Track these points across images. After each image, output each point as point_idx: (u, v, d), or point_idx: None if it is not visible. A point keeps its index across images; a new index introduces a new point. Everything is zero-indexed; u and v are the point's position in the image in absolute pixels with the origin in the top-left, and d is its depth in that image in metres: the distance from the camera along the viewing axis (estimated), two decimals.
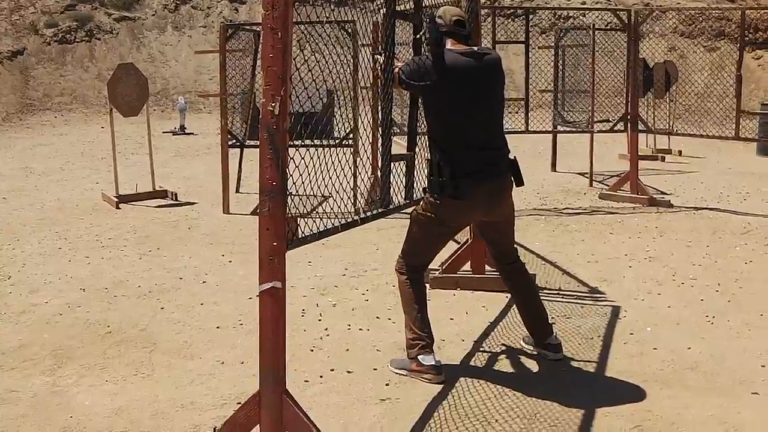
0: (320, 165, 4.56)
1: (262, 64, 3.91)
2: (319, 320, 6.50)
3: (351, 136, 10.58)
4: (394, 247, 8.82)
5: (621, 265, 8.24)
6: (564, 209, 11.22)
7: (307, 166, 4.41)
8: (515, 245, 5.81)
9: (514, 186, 5.50)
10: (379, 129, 5.69)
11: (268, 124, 3.81)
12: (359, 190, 10.39)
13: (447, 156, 5.18)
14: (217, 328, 6.31)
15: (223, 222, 10.26)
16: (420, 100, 5.51)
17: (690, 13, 28.15)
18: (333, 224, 4.49)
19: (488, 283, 7.22)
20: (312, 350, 5.84)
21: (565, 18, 26.57)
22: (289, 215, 3.95)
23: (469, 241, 7.38)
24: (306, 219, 4.32)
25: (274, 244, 3.87)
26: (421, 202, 5.47)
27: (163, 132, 20.23)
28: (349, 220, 4.69)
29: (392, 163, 5.36)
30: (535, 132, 12.88)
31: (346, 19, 9.66)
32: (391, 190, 5.44)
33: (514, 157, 5.50)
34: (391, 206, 5.34)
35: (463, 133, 5.22)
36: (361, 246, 8.88)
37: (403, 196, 5.63)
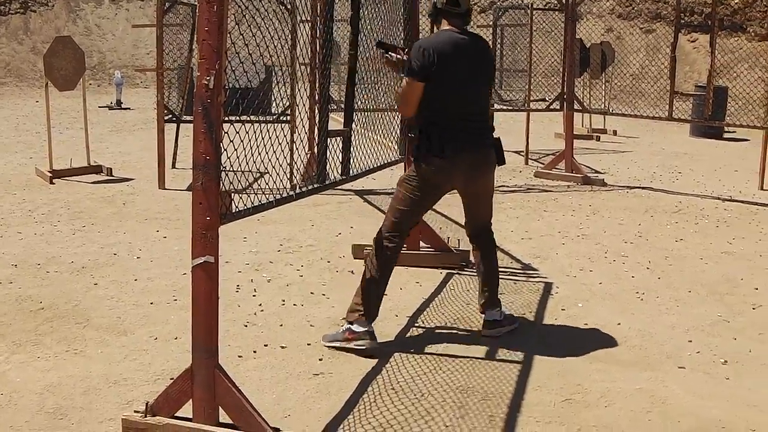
0: (257, 141, 4.56)
1: (197, 37, 3.89)
2: (254, 296, 6.49)
3: (288, 112, 10.55)
4: (329, 223, 8.86)
5: (554, 242, 8.34)
6: (499, 187, 11.28)
7: (242, 142, 4.40)
8: (491, 212, 6.00)
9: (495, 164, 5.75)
10: (317, 105, 5.75)
11: (202, 98, 3.79)
12: (296, 166, 10.35)
13: (436, 125, 5.48)
14: (151, 303, 6.27)
15: (159, 197, 10.18)
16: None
17: None
18: (268, 200, 4.49)
19: (422, 259, 7.27)
20: (246, 326, 5.84)
21: None
22: (223, 189, 3.94)
23: None
24: (242, 195, 4.31)
25: (207, 218, 3.86)
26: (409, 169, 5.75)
27: (99, 107, 19.99)
28: (284, 195, 4.68)
29: (328, 139, 5.36)
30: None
31: None
32: (328, 166, 5.48)
33: (498, 137, 5.73)
34: (326, 182, 5.35)
35: (453, 105, 5.48)
36: (296, 222, 8.88)
37: (340, 172, 5.64)
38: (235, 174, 4.56)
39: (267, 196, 4.54)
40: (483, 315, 5.84)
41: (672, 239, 8.62)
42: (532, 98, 12.91)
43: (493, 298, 5.86)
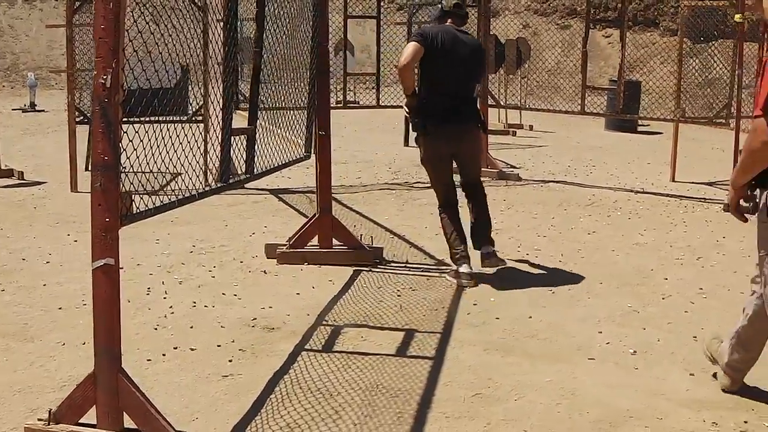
0: (170, 141, 4.56)
1: (93, 35, 3.82)
2: (164, 298, 6.41)
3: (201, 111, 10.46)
4: (243, 223, 8.80)
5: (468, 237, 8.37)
6: (415, 183, 11.33)
7: (150, 143, 4.34)
8: (480, 171, 7.57)
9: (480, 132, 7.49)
10: (220, 103, 5.78)
11: (100, 98, 3.72)
12: (210, 166, 10.27)
13: (425, 102, 6.99)
14: (60, 308, 6.15)
15: (71, 201, 10.01)
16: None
17: None
18: (170, 200, 4.43)
19: (335, 257, 7.26)
20: (156, 329, 5.76)
21: None
22: (123, 190, 3.88)
23: (316, 216, 7.36)
24: (146, 195, 4.24)
25: (107, 219, 3.79)
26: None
27: (13, 109, 19.65)
28: (186, 196, 4.62)
29: (233, 138, 5.31)
30: (386, 107, 12.96)
31: None
32: (233, 164, 5.46)
33: (479, 111, 7.52)
34: (231, 181, 5.30)
35: (441, 86, 6.98)
36: (210, 222, 8.80)
37: (244, 171, 5.60)
38: (149, 175, 4.52)
39: (170, 196, 4.47)
40: (480, 251, 7.11)
41: (585, 232, 8.72)
42: None
43: (488, 236, 7.16)
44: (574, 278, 7.07)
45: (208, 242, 8.05)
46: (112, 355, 3.91)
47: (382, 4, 12.96)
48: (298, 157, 7.04)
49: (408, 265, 7.34)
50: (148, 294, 6.52)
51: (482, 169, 11.27)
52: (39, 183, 11.11)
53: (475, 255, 7.08)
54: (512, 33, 19.55)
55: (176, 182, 4.60)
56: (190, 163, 4.78)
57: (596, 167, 13.11)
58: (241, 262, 7.38)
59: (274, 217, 9.15)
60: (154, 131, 4.42)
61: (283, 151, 6.73)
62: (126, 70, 3.91)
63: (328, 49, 7.14)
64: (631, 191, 11.05)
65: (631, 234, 8.67)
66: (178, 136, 4.67)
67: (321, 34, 6.99)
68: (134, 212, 4.04)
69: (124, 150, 3.88)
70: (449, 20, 7.19)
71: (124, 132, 3.88)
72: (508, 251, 7.81)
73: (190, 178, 4.86)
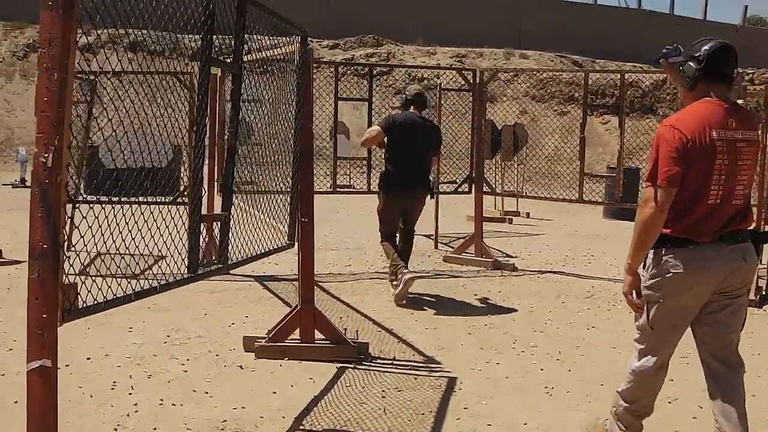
0: (155, 223, 4.42)
1: (35, 109, 3.40)
2: (130, 394, 5.91)
3: (186, 193, 10.05)
4: (223, 311, 8.34)
5: (460, 331, 7.90)
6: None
7: (117, 225, 3.93)
8: (415, 223, 9.70)
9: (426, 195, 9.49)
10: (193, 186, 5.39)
11: (39, 178, 3.30)
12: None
13: (388, 172, 9.23)
14: (15, 402, 5.64)
15: None
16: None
17: (541, 78, 28.58)
18: (124, 291, 3.97)
19: (317, 352, 6.76)
20: (116, 429, 5.26)
21: (420, 79, 26.59)
22: (67, 282, 3.44)
23: (298, 308, 6.89)
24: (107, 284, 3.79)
25: (44, 315, 3.34)
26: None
27: (3, 184, 19.42)
28: (145, 288, 4.16)
29: (202, 224, 4.86)
30: (376, 192, 12.39)
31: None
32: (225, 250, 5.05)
33: (431, 179, 9.75)
34: (200, 271, 4.83)
35: (401, 160, 9.14)
36: (188, 310, 8.32)
37: (217, 259, 5.15)
38: (130, 258, 4.36)
39: (123, 286, 4.01)
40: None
41: (584, 327, 8.25)
42: (442, 180, 12.57)
43: (407, 258, 9.44)
44: (573, 378, 6.58)
45: (185, 332, 7.56)
46: None
47: (378, 89, 12.65)
48: (280, 245, 6.60)
49: (395, 362, 6.84)
50: (113, 388, 6.02)
51: (477, 258, 10.99)
52: (17, 261, 10.63)
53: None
54: (510, 119, 19.33)
55: (150, 268, 4.23)
56: (168, 248, 4.49)
57: (595, 257, 12.66)
58: (217, 355, 6.89)
59: (257, 306, 8.67)
60: (132, 212, 4.28)
61: (264, 238, 6.30)
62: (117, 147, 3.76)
63: (311, 130, 6.72)
64: None
65: (633, 329, 8.12)
66: (155, 218, 4.46)
67: (305, 115, 6.59)
68: (80, 306, 3.58)
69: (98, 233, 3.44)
70: (412, 107, 9.37)
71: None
72: (502, 347, 7.34)
73: (167, 264, 4.60)
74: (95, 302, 3.73)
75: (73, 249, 4.19)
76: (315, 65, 28.87)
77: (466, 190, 12.01)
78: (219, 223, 5.30)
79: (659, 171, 4.32)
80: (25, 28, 28.86)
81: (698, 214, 4.36)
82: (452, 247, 12.71)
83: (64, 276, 3.45)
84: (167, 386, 6.10)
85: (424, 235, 13.72)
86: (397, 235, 9.57)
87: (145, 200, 4.61)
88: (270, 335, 6.84)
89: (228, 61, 5.21)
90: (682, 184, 4.31)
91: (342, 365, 6.66)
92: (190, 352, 6.94)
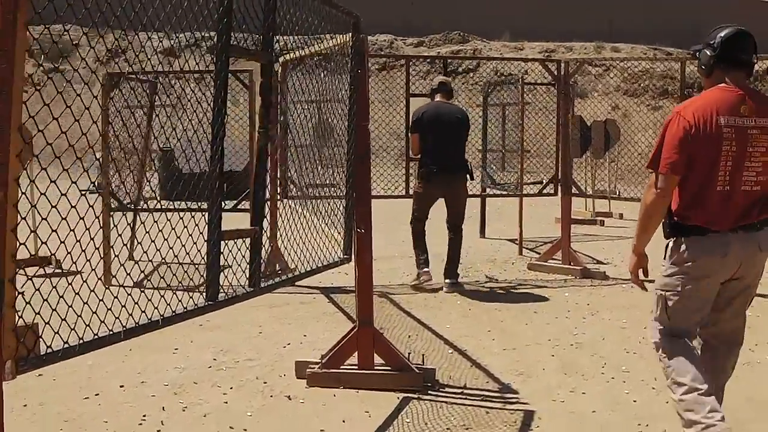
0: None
1: None
2: (158, 431, 5.19)
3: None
4: (280, 329, 7.63)
5: (543, 353, 7.02)
6: (486, 283, 10.03)
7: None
8: (462, 217, 9.77)
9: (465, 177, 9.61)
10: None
11: None
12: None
13: (426, 162, 9.43)
14: None
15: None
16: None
17: (634, 72, 27.45)
18: (110, 330, 3.22)
19: (376, 380, 5.96)
20: None
21: (506, 75, 25.68)
22: (22, 324, 2.72)
23: (355, 329, 6.10)
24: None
25: None
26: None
27: (81, 191, 18.96)
28: (137, 325, 3.40)
29: (224, 242, 4.09)
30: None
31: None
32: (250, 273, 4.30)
33: (468, 162, 9.68)
34: (220, 299, 4.06)
35: (435, 150, 9.39)
36: (242, 327, 7.63)
37: (247, 283, 4.38)
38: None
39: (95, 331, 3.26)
40: (446, 281, 9.50)
41: None
42: (526, 180, 11.66)
43: (453, 271, 9.55)
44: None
45: (234, 354, 6.84)
46: None
47: (465, 86, 11.90)
48: (335, 259, 5.84)
49: (465, 391, 6.00)
50: (141, 423, 5.31)
51: (564, 266, 10.06)
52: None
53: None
54: (601, 115, 18.31)
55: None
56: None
57: None
58: (265, 382, 6.14)
59: (318, 323, 7.92)
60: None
61: (316, 248, 5.57)
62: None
63: (368, 130, 5.93)
64: None
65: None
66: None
67: (360, 113, 5.80)
68: (42, 354, 2.85)
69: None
70: (438, 95, 9.78)
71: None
72: (589, 372, 6.46)
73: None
74: (66, 346, 2.98)
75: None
76: (393, 60, 27.95)
77: (552, 192, 11.09)
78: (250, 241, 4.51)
79: (661, 158, 4.42)
80: None
81: (711, 201, 4.42)
82: (538, 253, 11.80)
83: (17, 317, 2.72)
84: (202, 421, 5.36)
85: (508, 240, 12.84)
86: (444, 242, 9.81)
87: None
88: (324, 360, 6.06)
89: (256, 49, 4.43)
90: (691, 171, 4.39)
91: (405, 395, 5.86)
92: (236, 379, 6.21)
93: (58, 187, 3.07)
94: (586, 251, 11.92)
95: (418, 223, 9.62)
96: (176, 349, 6.90)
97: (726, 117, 4.35)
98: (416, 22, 30.82)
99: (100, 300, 3.43)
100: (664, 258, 4.69)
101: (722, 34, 4.51)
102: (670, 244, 4.64)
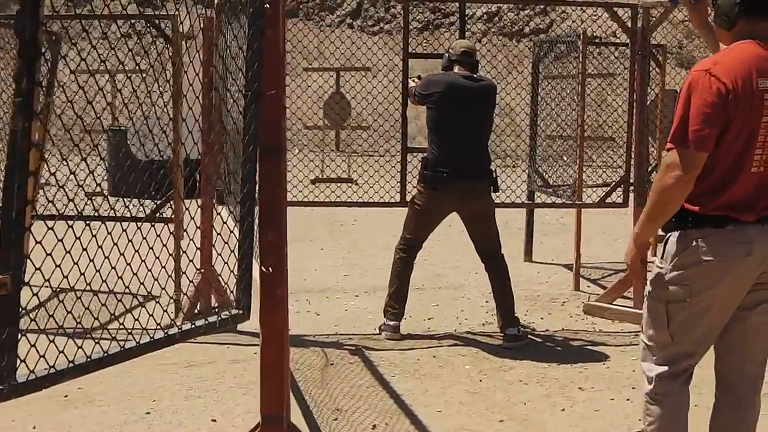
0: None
1: None
2: None
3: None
4: (182, 405, 6.49)
5: None
6: (532, 331, 8.47)
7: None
8: (497, 241, 8.24)
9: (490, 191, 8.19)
10: None
11: None
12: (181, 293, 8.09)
13: (434, 154, 8.02)
14: None
15: None
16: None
17: None
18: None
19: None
20: None
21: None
22: None
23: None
24: None
25: None
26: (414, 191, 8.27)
27: None
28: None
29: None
30: (500, 206, 9.40)
31: None
32: None
33: (495, 169, 8.25)
34: None
35: (451, 137, 7.95)
36: (126, 402, 6.36)
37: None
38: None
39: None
40: (504, 332, 8.00)
41: None
42: (586, 183, 10.04)
43: (510, 317, 8.05)
44: None
45: None
46: None
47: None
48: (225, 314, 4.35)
49: None
50: None
51: (634, 311, 8.94)
52: None
53: None
54: None
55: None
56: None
57: None
58: None
59: (245, 396, 6.55)
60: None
61: None
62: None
63: (282, 103, 4.52)
64: None
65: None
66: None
67: (263, 77, 4.30)
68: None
69: None
70: (456, 67, 8.18)
71: None
72: None
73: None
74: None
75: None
76: (441, 17, 26.70)
77: (620, 200, 9.58)
78: None
79: (689, 130, 4.21)
80: None
81: (740, 184, 4.34)
82: (603, 288, 10.16)
83: None
84: None
85: (563, 266, 11.12)
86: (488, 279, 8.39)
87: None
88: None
89: None
90: (717, 148, 4.25)
91: None
92: None
93: None
94: None
95: (406, 255, 8.25)
96: None
97: (764, 80, 4.23)
98: None
99: None
100: (662, 257, 4.49)
101: None
102: (672, 239, 4.45)
